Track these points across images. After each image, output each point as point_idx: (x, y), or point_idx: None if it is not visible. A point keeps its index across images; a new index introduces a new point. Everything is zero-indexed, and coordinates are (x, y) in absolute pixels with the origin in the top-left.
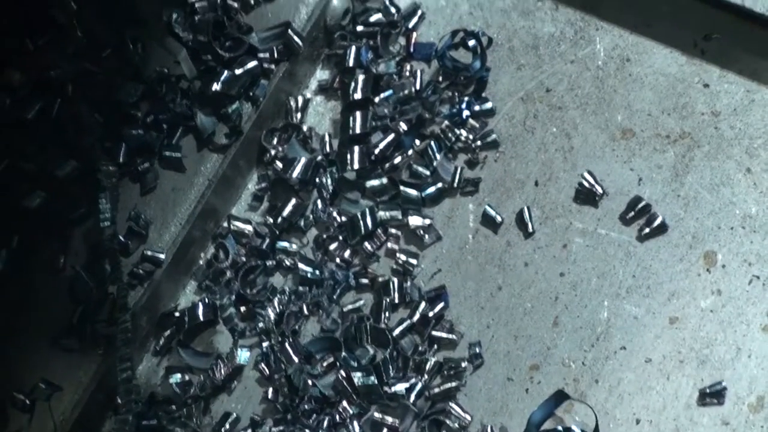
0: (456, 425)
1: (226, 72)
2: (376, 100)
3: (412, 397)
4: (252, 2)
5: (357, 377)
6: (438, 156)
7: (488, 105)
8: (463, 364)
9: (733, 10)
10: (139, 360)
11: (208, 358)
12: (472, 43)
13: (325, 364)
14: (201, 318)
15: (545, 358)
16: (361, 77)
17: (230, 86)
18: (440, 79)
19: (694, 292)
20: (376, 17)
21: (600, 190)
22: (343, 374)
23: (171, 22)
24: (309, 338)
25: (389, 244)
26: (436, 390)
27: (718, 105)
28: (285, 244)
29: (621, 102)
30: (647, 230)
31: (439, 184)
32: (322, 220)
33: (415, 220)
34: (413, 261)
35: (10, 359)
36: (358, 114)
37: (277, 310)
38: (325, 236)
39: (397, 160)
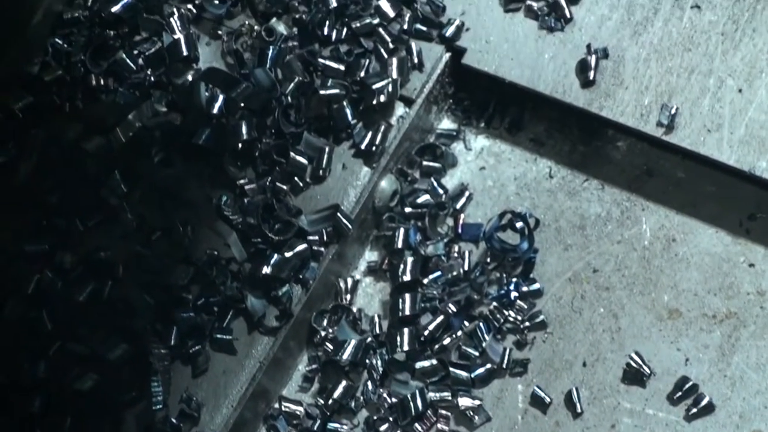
0: None
1: (275, 255)
2: (425, 281)
3: None
4: (301, 185)
5: None
6: (487, 337)
7: (536, 286)
8: None
9: None
10: None
11: None
12: (519, 224)
13: None
14: None
15: None
16: (409, 259)
17: (280, 269)
18: (488, 260)
19: None
20: (424, 198)
21: (647, 371)
22: None
23: (220, 205)
24: None
25: (439, 425)
26: None
27: (763, 284)
28: (336, 425)
29: (667, 282)
30: (694, 410)
31: (488, 365)
32: (372, 402)
33: (464, 401)
34: None
35: None
36: (407, 296)
37: None
38: (375, 417)
39: (447, 341)
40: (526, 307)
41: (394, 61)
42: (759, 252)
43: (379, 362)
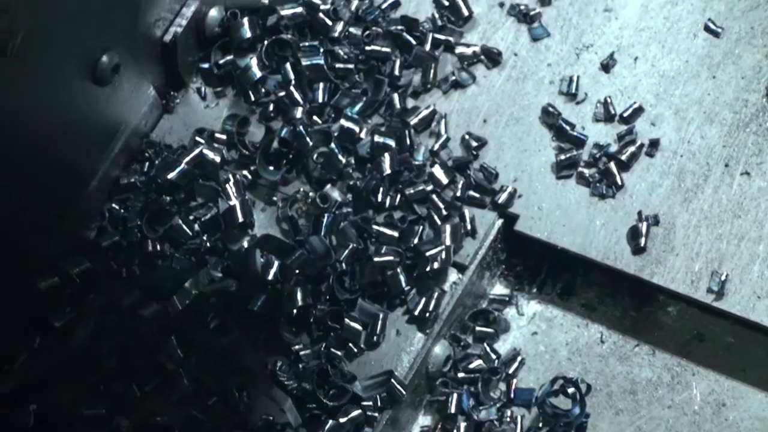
0: None
1: (330, 421)
2: None
3: None
4: (355, 350)
5: None
6: None
7: None
8: None
9: None
10: None
11: None
12: (571, 390)
13: None
14: None
15: None
16: (462, 424)
17: None
18: (540, 425)
19: None
20: (476, 363)
21: None
22: None
23: (275, 371)
24: None
25: None
26: None
27: None
28: None
29: None
30: None
31: None
32: None
33: None
34: None
35: None
36: None
37: None
38: None
39: None
40: None
41: (448, 227)
42: None
43: None
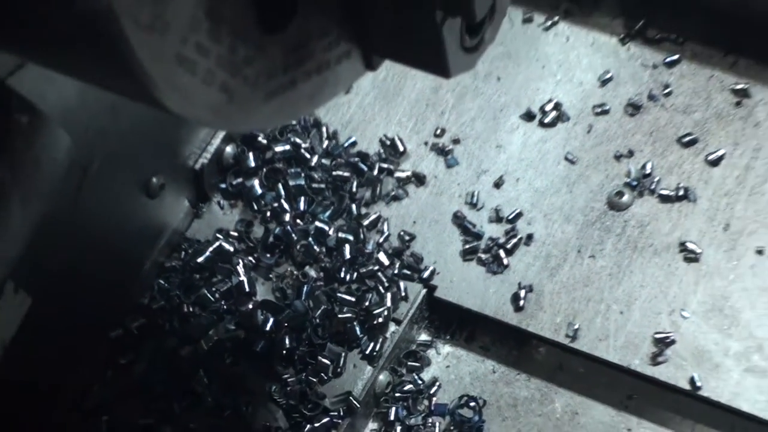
0: None
1: (308, 425)
2: None
3: None
4: (325, 378)
5: None
6: None
7: None
8: None
9: None
10: None
11: None
12: (472, 404)
13: None
14: None
15: None
16: (399, 428)
17: None
18: (452, 427)
19: None
20: (408, 387)
21: None
22: None
23: (271, 392)
24: None
25: None
26: None
27: None
28: None
29: None
30: None
31: None
32: None
33: None
34: None
35: None
36: None
37: None
38: None
39: None
40: None
41: (389, 295)
42: (633, 421)
43: None
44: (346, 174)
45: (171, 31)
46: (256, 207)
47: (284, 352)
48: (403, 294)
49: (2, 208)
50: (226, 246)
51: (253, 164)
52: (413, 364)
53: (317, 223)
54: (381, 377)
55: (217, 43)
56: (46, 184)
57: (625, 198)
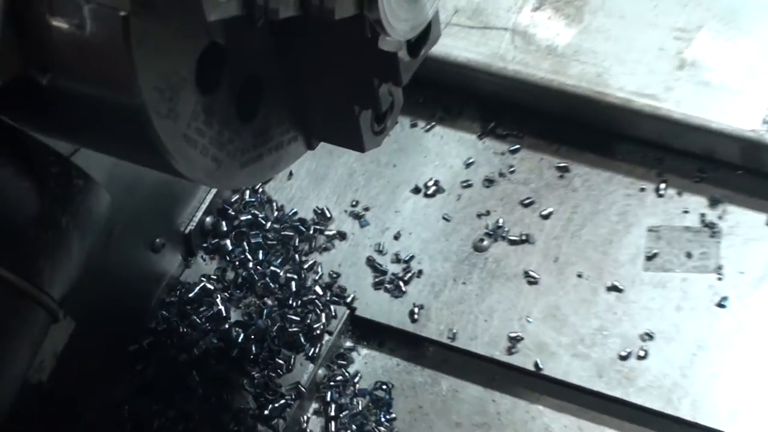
0: None
1: (270, 406)
2: None
3: None
4: (281, 373)
5: None
6: None
7: None
8: None
9: None
10: None
11: None
12: (384, 387)
13: None
14: None
15: None
16: (333, 405)
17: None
18: (370, 404)
19: None
20: (339, 378)
21: None
22: None
23: (243, 384)
24: None
25: None
26: None
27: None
28: None
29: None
30: None
31: None
32: None
33: None
34: None
35: None
36: None
37: None
38: None
39: None
40: None
41: (323, 315)
42: (497, 395)
43: None
44: (291, 233)
45: (180, 119)
46: (228, 258)
47: (252, 356)
48: (333, 314)
49: (66, 243)
50: (209, 286)
51: (225, 229)
52: (342, 362)
53: (272, 268)
54: (320, 372)
55: (210, 128)
56: (94, 227)
57: (485, 243)
